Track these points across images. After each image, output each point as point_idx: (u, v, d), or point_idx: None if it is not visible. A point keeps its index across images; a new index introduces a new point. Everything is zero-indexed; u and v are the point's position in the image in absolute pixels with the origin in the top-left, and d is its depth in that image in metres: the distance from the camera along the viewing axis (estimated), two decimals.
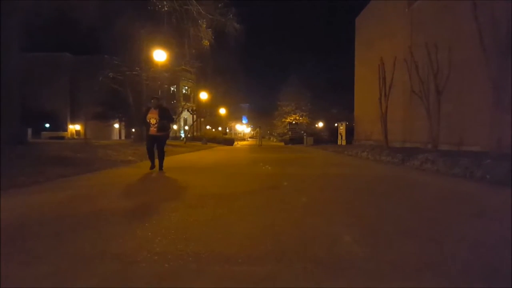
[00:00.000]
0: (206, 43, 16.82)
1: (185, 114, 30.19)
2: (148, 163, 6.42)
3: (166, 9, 14.75)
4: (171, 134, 22.51)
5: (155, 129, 6.18)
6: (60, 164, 5.91)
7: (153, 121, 6.20)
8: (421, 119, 10.91)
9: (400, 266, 1.66)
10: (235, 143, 31.16)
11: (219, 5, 15.67)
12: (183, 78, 27.30)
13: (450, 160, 6.41)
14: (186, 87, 32.42)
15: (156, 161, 6.30)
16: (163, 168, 6.24)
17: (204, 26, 16.06)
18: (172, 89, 26.27)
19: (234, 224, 2.47)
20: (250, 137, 65.03)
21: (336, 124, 26.44)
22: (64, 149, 8.42)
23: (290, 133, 36.89)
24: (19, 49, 8.68)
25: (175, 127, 28.71)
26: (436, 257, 1.80)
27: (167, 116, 6.40)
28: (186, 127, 31.12)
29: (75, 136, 32.33)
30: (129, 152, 9.44)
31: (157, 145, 6.27)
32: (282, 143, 33.08)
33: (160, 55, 14.14)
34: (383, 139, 12.04)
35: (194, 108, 27.68)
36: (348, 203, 3.35)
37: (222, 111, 34.65)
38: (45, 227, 2.35)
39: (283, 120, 48.45)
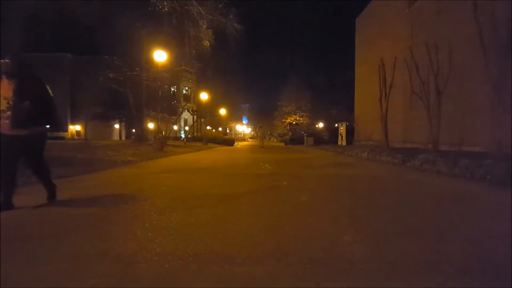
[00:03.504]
0: (206, 43, 16.81)
1: (186, 115, 30.18)
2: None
3: (166, 9, 14.73)
4: (170, 135, 22.35)
5: (7, 121, 2.90)
6: (61, 165, 5.90)
7: (3, 104, 2.91)
8: (421, 119, 10.89)
9: (401, 266, 1.66)
10: (236, 143, 31.17)
11: (220, 5, 15.66)
12: (183, 79, 27.33)
13: (451, 160, 6.40)
14: (187, 88, 32.46)
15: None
16: (56, 197, 3.33)
17: (205, 26, 16.05)
18: (173, 89, 26.28)
19: (234, 224, 2.47)
20: (250, 138, 65.02)
21: (336, 125, 26.41)
22: (65, 150, 8.43)
23: (290, 133, 36.85)
24: (19, 49, 8.69)
25: (175, 127, 28.40)
26: (436, 256, 1.79)
27: (37, 94, 3.03)
28: (187, 128, 31.13)
29: (75, 137, 32.36)
30: (129, 152, 9.47)
31: (29, 156, 3.17)
32: (282, 144, 33.04)
33: (160, 56, 14.16)
34: (383, 140, 12.01)
35: (195, 108, 27.71)
36: (347, 203, 3.34)
37: (223, 111, 34.69)
38: (45, 227, 2.35)
39: (283, 120, 48.47)
